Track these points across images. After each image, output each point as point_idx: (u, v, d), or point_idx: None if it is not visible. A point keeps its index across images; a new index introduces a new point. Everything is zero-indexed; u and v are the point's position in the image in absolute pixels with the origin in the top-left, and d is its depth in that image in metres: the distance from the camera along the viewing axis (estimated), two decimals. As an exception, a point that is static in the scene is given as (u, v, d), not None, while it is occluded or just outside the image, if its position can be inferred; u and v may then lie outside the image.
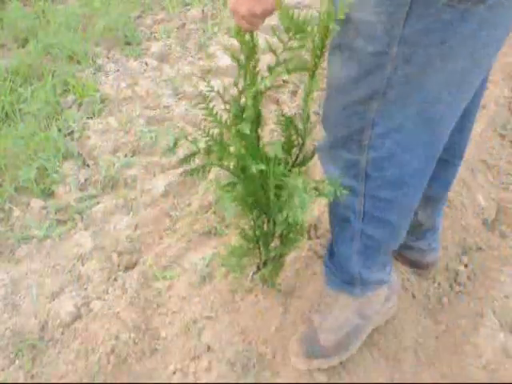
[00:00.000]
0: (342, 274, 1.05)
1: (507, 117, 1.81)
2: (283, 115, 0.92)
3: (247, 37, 0.80)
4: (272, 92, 1.93)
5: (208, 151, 0.91)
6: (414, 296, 1.23)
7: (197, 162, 0.97)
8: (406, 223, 0.97)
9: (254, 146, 0.88)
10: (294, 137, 0.94)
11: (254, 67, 0.83)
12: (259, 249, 1.09)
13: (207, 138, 0.90)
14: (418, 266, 1.25)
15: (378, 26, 0.67)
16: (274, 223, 1.01)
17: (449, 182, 1.11)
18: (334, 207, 0.99)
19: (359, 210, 0.90)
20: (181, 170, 0.95)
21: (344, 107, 0.79)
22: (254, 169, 0.83)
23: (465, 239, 1.36)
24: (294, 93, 1.96)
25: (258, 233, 1.05)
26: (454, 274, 1.29)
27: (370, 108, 0.75)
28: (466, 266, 1.31)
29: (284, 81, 2.02)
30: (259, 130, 0.91)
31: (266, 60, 2.10)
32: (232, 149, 0.88)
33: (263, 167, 0.83)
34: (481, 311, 1.19)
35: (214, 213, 1.45)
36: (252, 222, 1.03)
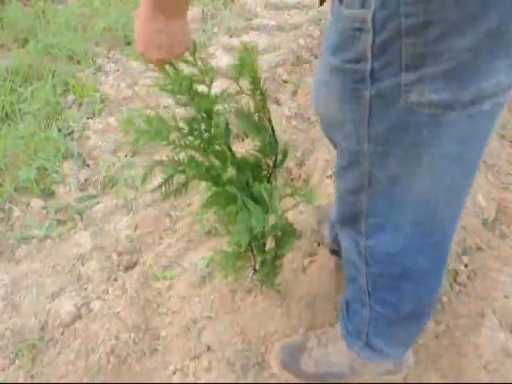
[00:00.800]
0: (352, 327, 0.98)
1: (507, 117, 1.81)
2: (254, 123, 0.92)
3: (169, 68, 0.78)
4: (272, 92, 1.93)
5: (183, 171, 0.90)
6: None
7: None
8: (423, 312, 0.89)
9: (226, 155, 0.87)
10: (267, 139, 0.93)
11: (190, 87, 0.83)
12: (252, 251, 1.09)
13: (176, 165, 0.89)
14: None
15: (346, 124, 0.66)
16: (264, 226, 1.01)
17: None
18: (344, 267, 0.94)
19: (364, 287, 0.86)
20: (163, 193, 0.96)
21: (342, 192, 0.79)
22: (224, 176, 0.83)
23: (465, 239, 1.36)
24: (293, 93, 1.96)
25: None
26: (454, 273, 1.29)
27: (360, 199, 0.73)
28: (466, 265, 1.31)
29: (284, 81, 2.02)
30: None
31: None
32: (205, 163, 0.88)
33: (232, 173, 0.83)
34: (481, 311, 1.19)
35: (214, 213, 1.45)
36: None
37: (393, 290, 0.83)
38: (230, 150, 0.88)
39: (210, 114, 0.83)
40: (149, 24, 0.67)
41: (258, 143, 0.90)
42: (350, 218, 0.79)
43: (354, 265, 0.85)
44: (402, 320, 0.89)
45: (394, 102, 0.59)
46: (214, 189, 0.90)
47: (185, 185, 0.94)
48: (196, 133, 0.84)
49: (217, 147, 0.85)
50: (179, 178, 0.93)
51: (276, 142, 0.90)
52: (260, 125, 0.87)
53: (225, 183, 0.87)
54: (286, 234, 1.06)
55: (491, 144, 1.68)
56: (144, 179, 0.93)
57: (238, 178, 0.88)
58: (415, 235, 0.74)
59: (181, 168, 0.89)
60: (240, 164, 0.88)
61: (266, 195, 0.83)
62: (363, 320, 0.92)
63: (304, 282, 1.25)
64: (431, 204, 0.69)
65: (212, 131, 0.84)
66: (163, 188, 0.92)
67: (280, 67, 2.07)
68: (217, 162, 0.87)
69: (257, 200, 0.88)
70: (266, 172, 0.94)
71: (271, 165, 0.93)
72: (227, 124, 0.87)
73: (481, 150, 0.67)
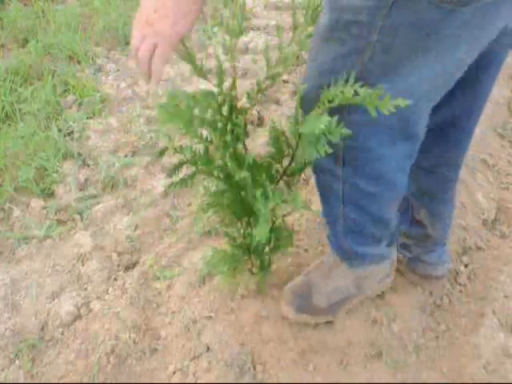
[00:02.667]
0: (338, 249, 1.07)
1: (507, 117, 1.81)
2: (274, 127, 0.93)
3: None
4: (272, 92, 1.94)
5: (194, 161, 0.91)
6: (414, 296, 1.23)
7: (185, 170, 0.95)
8: (391, 213, 0.98)
9: (240, 155, 0.88)
10: (285, 147, 0.94)
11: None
12: (250, 255, 1.09)
13: (191, 154, 0.90)
14: (429, 278, 1.24)
15: (362, 11, 0.67)
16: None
17: (449, 196, 1.10)
18: (318, 182, 0.97)
19: (339, 194, 0.90)
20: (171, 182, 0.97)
21: (319, 87, 0.78)
22: (237, 177, 0.83)
23: (465, 239, 1.36)
24: (294, 93, 1.96)
25: (247, 240, 1.05)
26: (454, 273, 1.29)
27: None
28: (466, 265, 1.31)
29: (284, 81, 2.02)
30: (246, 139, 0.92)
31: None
32: (217, 158, 0.88)
33: (246, 175, 0.83)
34: (481, 311, 1.19)
35: (215, 213, 1.45)
36: (242, 230, 1.03)
37: (366, 192, 0.88)
38: (245, 150, 0.88)
39: (232, 112, 0.83)
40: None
41: (273, 148, 0.91)
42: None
43: (328, 171, 0.88)
44: (370, 224, 0.96)
45: None
46: (217, 188, 0.90)
47: (192, 177, 0.94)
48: (221, 130, 0.83)
49: (232, 148, 0.85)
50: (187, 171, 0.93)
51: (294, 151, 0.90)
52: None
53: (233, 184, 0.87)
54: (281, 239, 1.07)
55: (491, 144, 1.69)
56: (160, 155, 0.93)
57: (250, 179, 0.88)
58: (388, 127, 0.78)
59: (193, 159, 0.90)
60: (253, 166, 0.88)
61: (261, 206, 0.83)
62: (341, 236, 1.00)
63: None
64: (414, 94, 0.73)
65: (231, 130, 0.84)
66: (176, 172, 0.93)
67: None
68: (230, 162, 0.87)
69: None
70: (276, 177, 0.95)
71: (281, 171, 0.94)
72: (245, 125, 0.87)
73: (471, 50, 0.71)
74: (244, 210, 0.97)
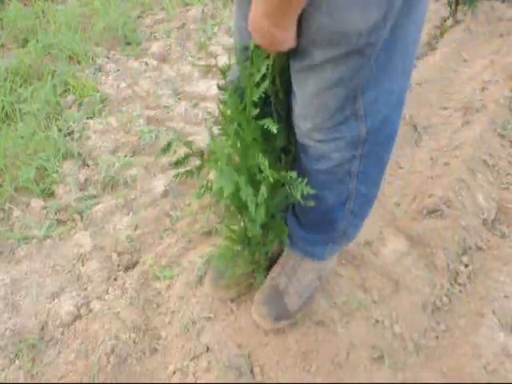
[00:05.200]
0: (323, 234, 1.08)
1: (507, 117, 1.81)
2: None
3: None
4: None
5: (201, 154, 0.94)
6: (414, 296, 1.23)
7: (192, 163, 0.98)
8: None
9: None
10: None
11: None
12: (250, 250, 1.09)
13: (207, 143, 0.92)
14: None
15: (367, 24, 0.70)
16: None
17: None
18: (325, 175, 0.97)
19: (355, 172, 0.94)
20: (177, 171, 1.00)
21: (340, 93, 0.80)
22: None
23: (465, 239, 1.36)
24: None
25: (249, 234, 1.04)
26: (454, 273, 1.29)
27: (358, 78, 0.78)
28: (466, 265, 1.31)
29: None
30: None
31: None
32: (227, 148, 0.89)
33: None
34: (481, 311, 1.19)
35: (214, 213, 1.45)
36: (242, 223, 1.03)
37: (378, 162, 0.95)
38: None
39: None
40: (258, 21, 0.73)
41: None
42: (343, 113, 0.83)
43: (344, 160, 0.91)
44: (375, 193, 1.03)
45: None
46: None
47: (198, 169, 0.96)
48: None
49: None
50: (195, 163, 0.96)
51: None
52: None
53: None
54: (275, 233, 1.07)
55: (491, 144, 1.68)
56: (166, 149, 0.97)
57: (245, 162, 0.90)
58: (400, 87, 0.85)
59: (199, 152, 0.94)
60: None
61: (252, 206, 0.84)
62: (344, 218, 1.03)
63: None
64: (411, 51, 0.81)
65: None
66: (182, 163, 0.98)
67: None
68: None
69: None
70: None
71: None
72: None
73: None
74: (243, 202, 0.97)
